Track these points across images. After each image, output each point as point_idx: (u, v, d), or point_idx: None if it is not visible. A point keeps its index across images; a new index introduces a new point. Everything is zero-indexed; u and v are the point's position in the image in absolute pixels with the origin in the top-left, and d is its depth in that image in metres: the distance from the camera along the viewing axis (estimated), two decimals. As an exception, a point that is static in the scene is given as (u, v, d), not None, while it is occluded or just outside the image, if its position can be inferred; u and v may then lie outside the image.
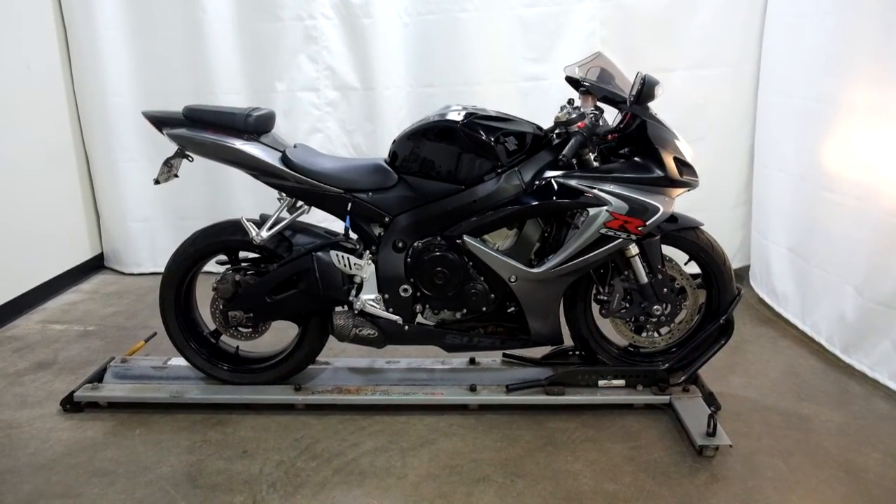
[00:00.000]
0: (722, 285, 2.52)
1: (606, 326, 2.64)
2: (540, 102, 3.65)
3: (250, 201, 3.86)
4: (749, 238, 3.76)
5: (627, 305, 2.51)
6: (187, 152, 2.55)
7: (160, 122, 2.52)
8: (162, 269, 2.68)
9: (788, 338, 3.18)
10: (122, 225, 4.23)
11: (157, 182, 2.57)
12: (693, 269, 2.57)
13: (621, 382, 2.56)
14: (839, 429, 2.44)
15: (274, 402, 2.62)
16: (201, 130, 2.47)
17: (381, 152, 3.57)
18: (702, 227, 2.51)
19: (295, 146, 2.56)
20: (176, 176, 2.61)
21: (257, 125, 2.48)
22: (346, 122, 3.96)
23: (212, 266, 2.70)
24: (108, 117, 4.03)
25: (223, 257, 2.65)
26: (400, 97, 3.86)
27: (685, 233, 2.48)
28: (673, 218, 2.45)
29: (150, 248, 4.24)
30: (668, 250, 2.51)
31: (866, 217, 2.68)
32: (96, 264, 4.36)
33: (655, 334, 2.57)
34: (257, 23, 3.83)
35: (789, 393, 2.69)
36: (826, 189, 2.92)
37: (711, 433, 2.28)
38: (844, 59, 2.80)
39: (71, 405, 2.63)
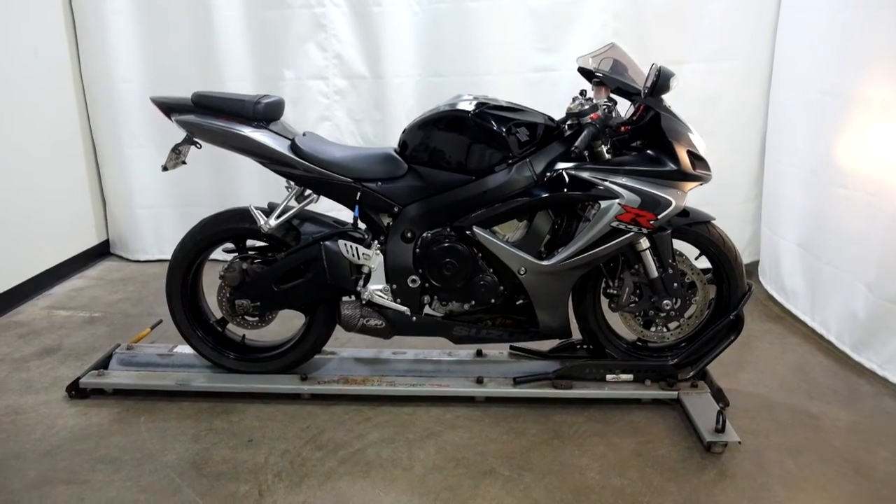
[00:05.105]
0: (733, 281, 2.50)
1: (615, 321, 2.63)
2: (550, 94, 3.63)
3: (257, 189, 3.85)
4: (759, 233, 3.73)
5: (637, 300, 2.49)
6: (195, 139, 2.53)
7: (169, 108, 2.50)
8: (168, 257, 2.67)
9: (797, 335, 3.16)
10: (128, 211, 4.23)
11: (165, 168, 2.56)
12: (703, 263, 2.54)
13: (629, 377, 2.55)
14: (848, 427, 2.43)
15: (280, 392, 2.61)
16: (210, 117, 2.45)
17: (390, 141, 3.55)
18: (713, 222, 2.48)
19: (304, 134, 2.54)
20: (184, 163, 2.59)
21: (266, 113, 2.46)
22: (355, 110, 3.93)
23: (218, 254, 2.69)
24: (115, 103, 4.02)
25: (230, 245, 2.63)
26: (409, 86, 3.84)
27: (696, 227, 2.46)
28: (684, 212, 2.43)
29: (156, 234, 4.24)
30: (678, 244, 2.49)
31: (879, 213, 2.65)
32: (102, 250, 4.36)
33: (664, 329, 2.55)
34: (266, 10, 3.80)
35: (798, 390, 2.67)
36: (838, 185, 2.89)
37: (720, 429, 2.26)
38: (859, 53, 2.76)
39: (76, 391, 2.63)
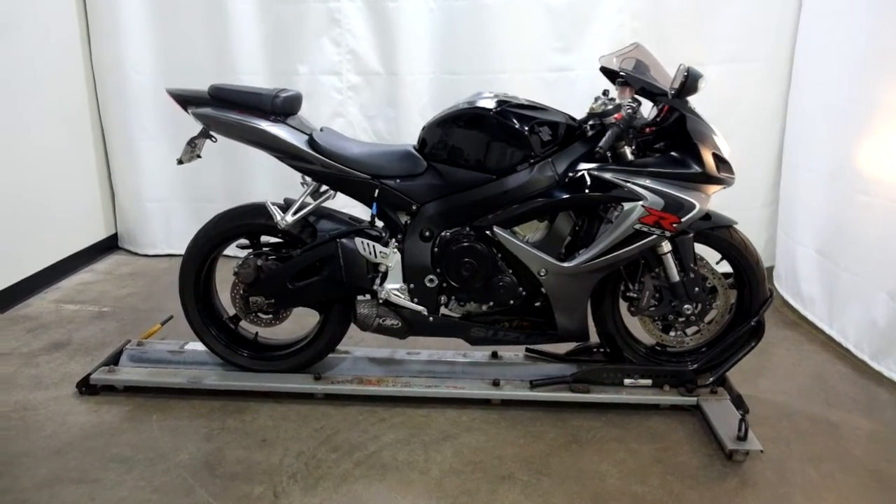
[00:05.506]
0: (754, 286, 2.46)
1: (633, 325, 2.59)
2: (566, 94, 3.59)
3: (268, 184, 3.83)
4: (774, 239, 3.69)
5: (657, 303, 2.46)
6: (211, 132, 2.49)
7: (185, 100, 2.46)
8: (177, 252, 2.66)
9: (814, 342, 3.12)
10: (137, 205, 4.19)
11: (180, 162, 2.52)
12: (723, 267, 2.51)
13: (648, 382, 2.51)
14: (869, 436, 2.39)
15: (293, 391, 2.58)
16: (227, 110, 2.41)
17: (403, 138, 3.52)
18: (735, 226, 2.45)
19: (322, 130, 2.51)
20: (199, 156, 2.56)
21: (284, 107, 2.43)
22: (368, 107, 3.91)
23: (230, 251, 2.65)
24: (126, 94, 3.98)
25: (244, 241, 2.60)
26: (423, 83, 3.81)
27: (719, 231, 2.43)
28: (706, 215, 2.39)
29: (165, 229, 4.20)
30: (699, 248, 2.45)
31: (903, 221, 2.62)
32: (110, 244, 4.32)
33: (684, 334, 2.52)
34: (280, 4, 3.77)
35: (817, 398, 2.64)
36: (860, 191, 2.85)
37: (742, 437, 2.23)
38: (883, 57, 2.72)
39: (87, 388, 2.60)
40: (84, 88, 4.02)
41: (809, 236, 3.25)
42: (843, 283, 2.99)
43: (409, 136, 2.54)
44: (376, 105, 3.89)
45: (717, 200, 2.59)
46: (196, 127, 2.49)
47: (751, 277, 2.46)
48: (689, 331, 2.51)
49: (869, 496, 2.10)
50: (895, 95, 2.68)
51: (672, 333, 2.52)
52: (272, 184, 3.77)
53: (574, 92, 3.57)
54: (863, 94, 2.85)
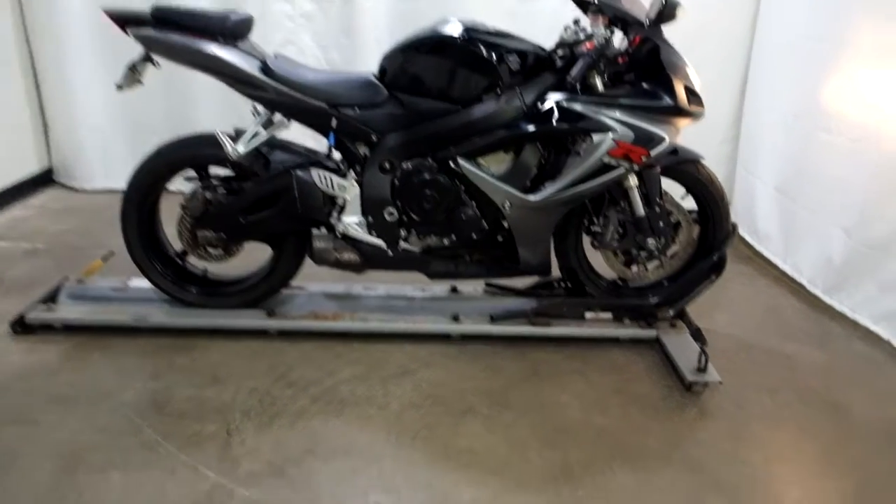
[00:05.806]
0: (718, 221, 2.45)
1: (594, 259, 2.56)
2: (529, 26, 3.43)
3: (214, 113, 3.61)
4: (733, 175, 3.68)
5: (620, 238, 2.43)
6: (153, 56, 2.30)
7: (125, 20, 2.25)
8: (116, 186, 2.49)
9: (768, 277, 3.17)
10: (72, 136, 3.91)
11: (119, 88, 2.33)
12: (687, 203, 2.48)
13: (608, 315, 2.51)
14: (823, 368, 2.45)
15: (245, 328, 2.48)
16: (172, 32, 2.22)
17: (357, 68, 3.35)
18: (702, 161, 2.42)
19: (276, 56, 2.35)
20: (140, 82, 2.37)
21: (235, 30, 2.26)
22: (322, 35, 3.69)
23: (173, 186, 2.49)
24: (56, 13, 3.64)
25: (191, 173, 2.44)
26: (379, 11, 3.61)
27: (685, 166, 2.39)
28: (673, 150, 2.35)
29: (103, 161, 3.93)
30: (664, 183, 2.42)
31: (864, 160, 2.61)
32: (45, 179, 4.04)
33: (646, 268, 2.50)
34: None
35: (772, 331, 2.69)
36: (822, 129, 2.84)
37: (702, 369, 2.25)
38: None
39: (22, 327, 2.44)
40: (9, 8, 3.67)
41: (769, 173, 3.26)
42: (800, 220, 3.02)
43: (364, 67, 2.40)
44: (330, 33, 3.68)
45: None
46: (137, 50, 2.29)
47: (715, 212, 2.45)
48: (651, 265, 2.50)
49: (824, 423, 2.15)
50: (861, 33, 2.65)
51: (634, 267, 2.50)
52: (218, 112, 3.56)
53: (537, 24, 3.41)
54: (829, 32, 2.82)
